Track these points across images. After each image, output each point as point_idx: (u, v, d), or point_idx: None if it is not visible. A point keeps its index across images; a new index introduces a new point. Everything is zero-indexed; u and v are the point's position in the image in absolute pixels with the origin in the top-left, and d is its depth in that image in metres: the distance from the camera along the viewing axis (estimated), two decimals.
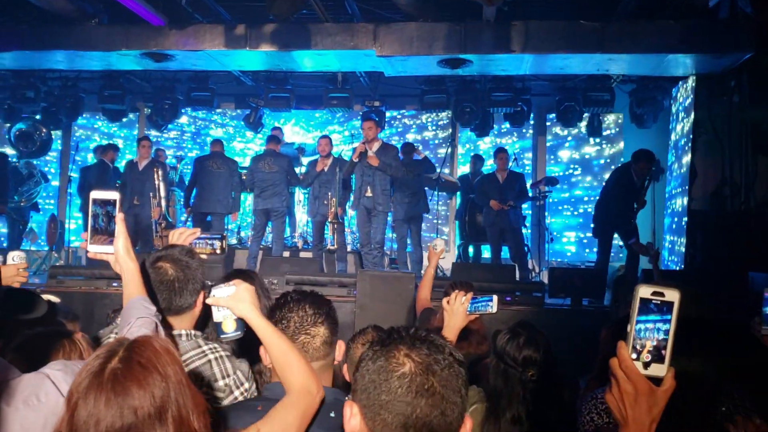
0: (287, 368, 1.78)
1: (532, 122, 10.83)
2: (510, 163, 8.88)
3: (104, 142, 10.50)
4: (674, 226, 8.48)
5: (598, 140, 10.81)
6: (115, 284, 6.63)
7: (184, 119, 11.60)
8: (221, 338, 1.99)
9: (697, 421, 1.37)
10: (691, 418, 1.24)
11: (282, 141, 10.30)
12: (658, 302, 1.18)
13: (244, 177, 8.81)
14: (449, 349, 1.27)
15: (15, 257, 2.72)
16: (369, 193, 7.63)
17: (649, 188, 7.75)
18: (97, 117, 11.51)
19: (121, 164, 9.67)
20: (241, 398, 2.12)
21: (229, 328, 1.93)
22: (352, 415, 1.25)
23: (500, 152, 8.79)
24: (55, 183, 11.72)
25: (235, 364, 2.16)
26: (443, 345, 1.27)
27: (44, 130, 10.31)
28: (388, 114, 10.91)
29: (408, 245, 8.75)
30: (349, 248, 8.44)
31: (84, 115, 11.19)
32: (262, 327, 1.84)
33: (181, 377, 1.37)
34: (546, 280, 7.54)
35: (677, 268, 7.97)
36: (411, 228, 8.57)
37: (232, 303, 1.87)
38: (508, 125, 10.52)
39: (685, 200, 7.95)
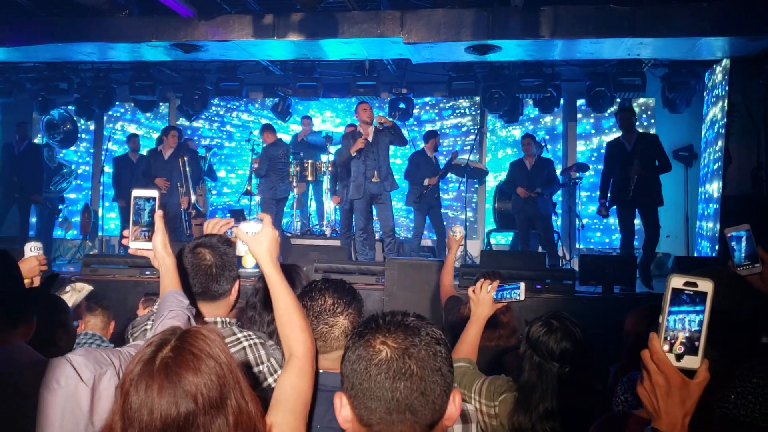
0: (289, 326, 1.74)
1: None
2: (542, 149, 8.78)
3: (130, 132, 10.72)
4: (707, 211, 8.35)
5: None
6: (147, 272, 6.75)
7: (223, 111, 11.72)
8: (239, 271, 2.04)
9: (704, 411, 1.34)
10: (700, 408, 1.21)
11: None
12: (691, 293, 1.15)
13: (256, 165, 8.87)
14: (426, 330, 1.30)
15: (33, 248, 2.76)
16: (376, 178, 7.41)
17: (642, 149, 7.36)
18: (129, 108, 11.69)
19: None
20: (274, 385, 2.14)
21: (249, 264, 2.00)
22: (342, 405, 1.30)
23: (524, 138, 8.70)
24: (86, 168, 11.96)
25: (269, 351, 2.19)
26: (419, 327, 1.30)
27: (68, 125, 10.50)
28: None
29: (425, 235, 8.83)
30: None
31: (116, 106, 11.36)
32: (272, 276, 1.78)
33: (234, 364, 1.37)
34: (577, 268, 7.48)
35: (711, 255, 7.86)
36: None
37: (251, 242, 1.81)
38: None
39: (719, 185, 7.81)
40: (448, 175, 9.52)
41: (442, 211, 9.07)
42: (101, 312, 3.79)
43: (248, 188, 9.52)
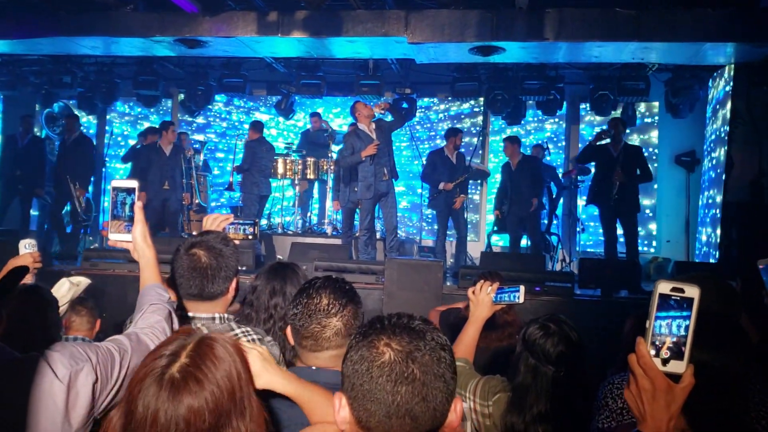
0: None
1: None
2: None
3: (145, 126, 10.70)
4: (709, 218, 8.34)
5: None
6: None
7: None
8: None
9: (722, 415, 1.35)
10: (716, 412, 1.22)
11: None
12: (678, 298, 1.17)
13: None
14: (431, 335, 1.26)
15: (27, 245, 2.72)
16: (386, 176, 7.42)
17: (626, 158, 7.61)
18: (132, 103, 11.70)
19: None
20: None
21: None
22: (341, 406, 1.27)
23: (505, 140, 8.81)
24: None
25: (267, 347, 2.19)
26: (425, 331, 1.27)
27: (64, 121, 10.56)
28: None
29: (449, 236, 8.78)
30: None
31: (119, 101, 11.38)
32: (291, 392, 1.71)
33: (238, 385, 1.34)
34: (576, 271, 7.47)
35: (712, 261, 7.86)
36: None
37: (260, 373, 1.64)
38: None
39: (721, 192, 7.81)
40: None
41: None
42: (87, 312, 3.68)
43: (231, 181, 9.57)
